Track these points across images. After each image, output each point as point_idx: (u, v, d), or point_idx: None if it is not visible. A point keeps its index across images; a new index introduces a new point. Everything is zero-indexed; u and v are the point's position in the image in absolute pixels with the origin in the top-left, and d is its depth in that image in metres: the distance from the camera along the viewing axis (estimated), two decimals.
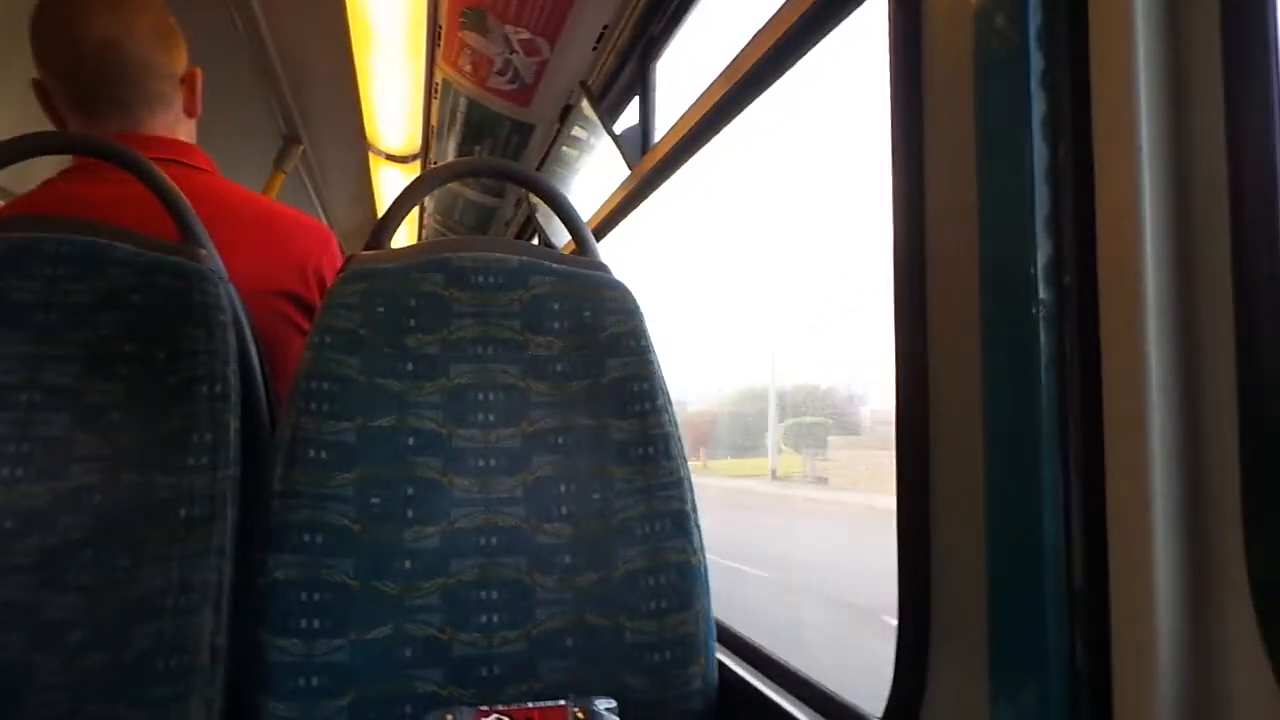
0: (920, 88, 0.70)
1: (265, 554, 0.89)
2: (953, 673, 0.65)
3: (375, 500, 0.93)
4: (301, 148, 2.80)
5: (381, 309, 1.00)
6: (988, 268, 0.62)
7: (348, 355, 0.97)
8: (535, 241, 2.85)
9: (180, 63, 1.27)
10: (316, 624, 0.88)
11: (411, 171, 3.13)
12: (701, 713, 0.94)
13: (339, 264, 1.29)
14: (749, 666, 1.01)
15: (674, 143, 1.45)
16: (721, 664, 0.99)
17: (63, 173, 1.20)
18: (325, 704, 0.86)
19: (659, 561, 0.97)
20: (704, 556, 0.98)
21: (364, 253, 1.04)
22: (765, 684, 0.95)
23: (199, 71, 1.30)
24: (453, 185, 3.14)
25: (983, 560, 0.61)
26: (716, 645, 0.98)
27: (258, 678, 0.86)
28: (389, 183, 3.39)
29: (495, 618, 0.93)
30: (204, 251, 1.01)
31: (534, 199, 2.67)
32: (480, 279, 1.05)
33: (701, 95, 1.33)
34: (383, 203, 3.75)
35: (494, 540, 0.95)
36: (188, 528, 0.87)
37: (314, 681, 0.86)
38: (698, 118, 1.34)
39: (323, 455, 0.93)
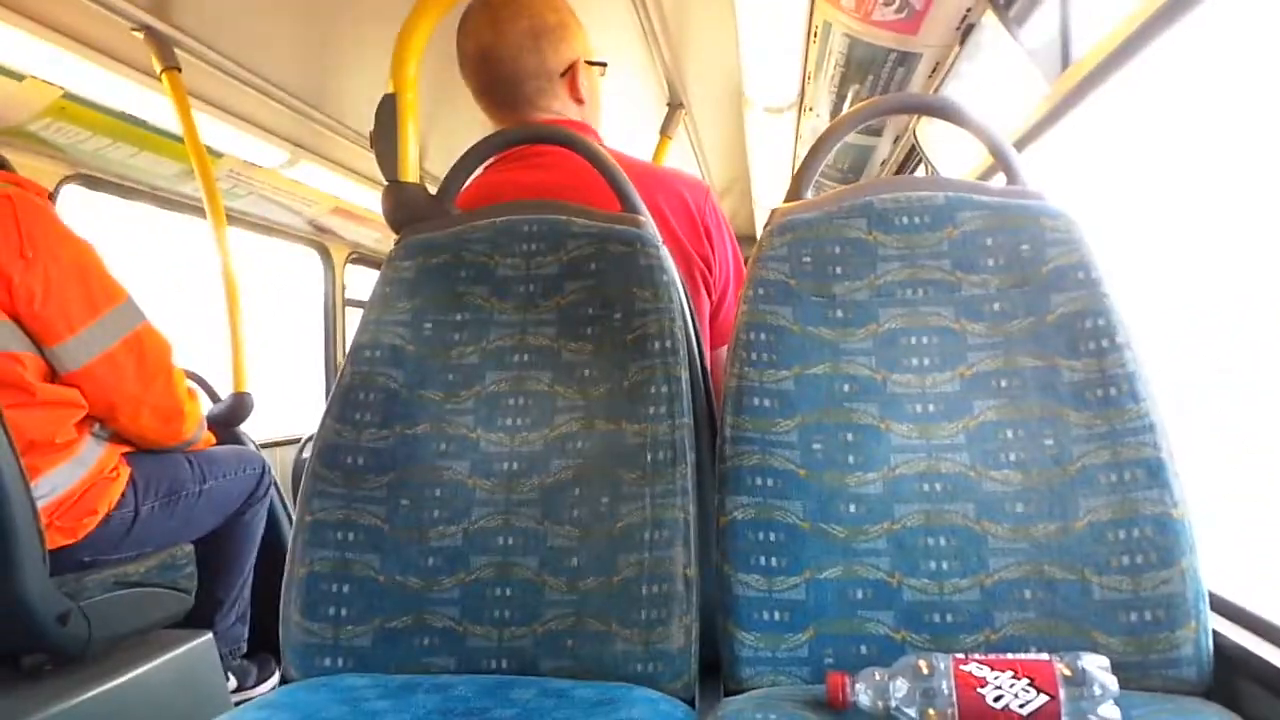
0: None
1: (723, 495, 0.96)
2: None
3: (817, 446, 0.96)
4: (684, 111, 2.93)
5: (808, 258, 1.02)
6: None
7: (780, 306, 1.00)
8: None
9: (558, 58, 1.33)
10: (774, 562, 0.93)
11: (784, 121, 3.13)
12: (1193, 683, 0.84)
13: (719, 216, 1.34)
14: (1260, 638, 0.88)
15: (1110, 50, 1.27)
16: (1218, 633, 0.87)
17: (491, 165, 1.35)
18: (788, 638, 0.91)
19: (1131, 513, 0.88)
20: (1187, 509, 0.87)
21: (785, 204, 1.06)
22: None
23: (580, 61, 1.36)
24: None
25: None
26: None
27: (727, 609, 0.93)
28: (761, 134, 3.44)
29: (944, 565, 0.91)
30: (643, 218, 1.10)
31: (917, 134, 2.54)
32: (905, 220, 1.02)
33: None
34: (754, 154, 3.81)
35: (938, 486, 0.93)
36: (655, 470, 0.97)
37: (776, 615, 0.92)
38: (1149, 13, 1.16)
39: (765, 403, 0.97)
